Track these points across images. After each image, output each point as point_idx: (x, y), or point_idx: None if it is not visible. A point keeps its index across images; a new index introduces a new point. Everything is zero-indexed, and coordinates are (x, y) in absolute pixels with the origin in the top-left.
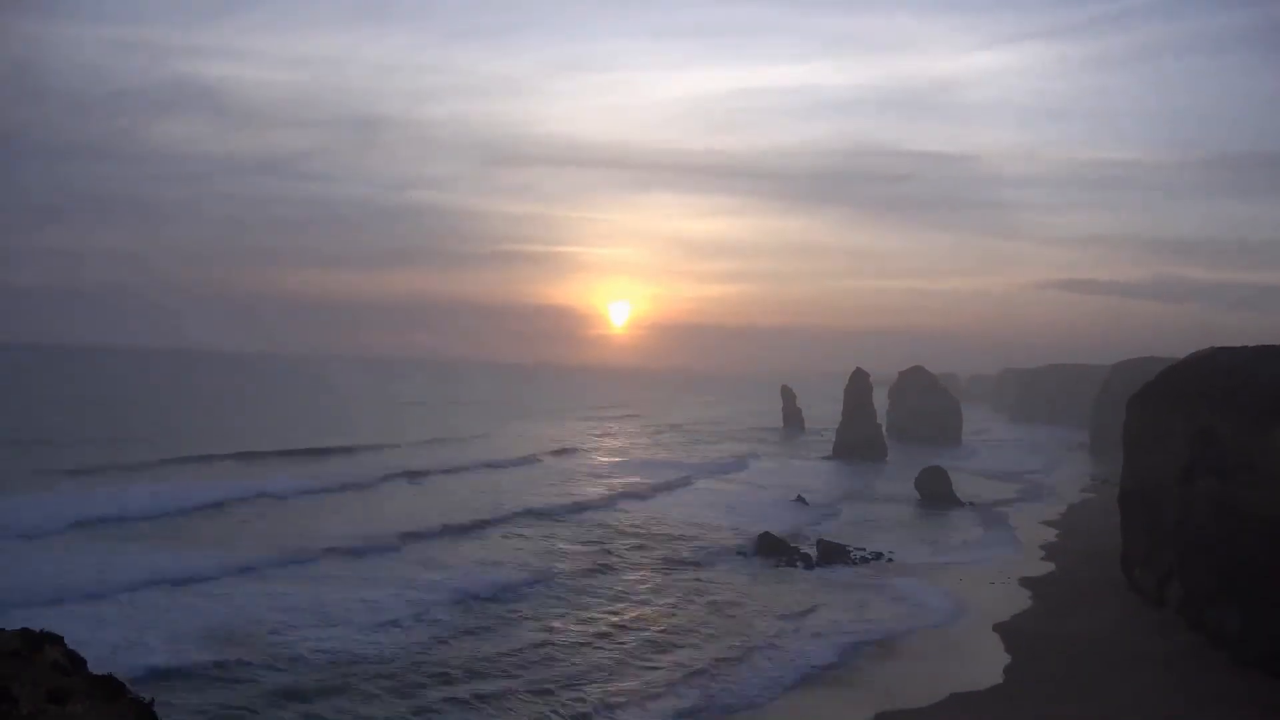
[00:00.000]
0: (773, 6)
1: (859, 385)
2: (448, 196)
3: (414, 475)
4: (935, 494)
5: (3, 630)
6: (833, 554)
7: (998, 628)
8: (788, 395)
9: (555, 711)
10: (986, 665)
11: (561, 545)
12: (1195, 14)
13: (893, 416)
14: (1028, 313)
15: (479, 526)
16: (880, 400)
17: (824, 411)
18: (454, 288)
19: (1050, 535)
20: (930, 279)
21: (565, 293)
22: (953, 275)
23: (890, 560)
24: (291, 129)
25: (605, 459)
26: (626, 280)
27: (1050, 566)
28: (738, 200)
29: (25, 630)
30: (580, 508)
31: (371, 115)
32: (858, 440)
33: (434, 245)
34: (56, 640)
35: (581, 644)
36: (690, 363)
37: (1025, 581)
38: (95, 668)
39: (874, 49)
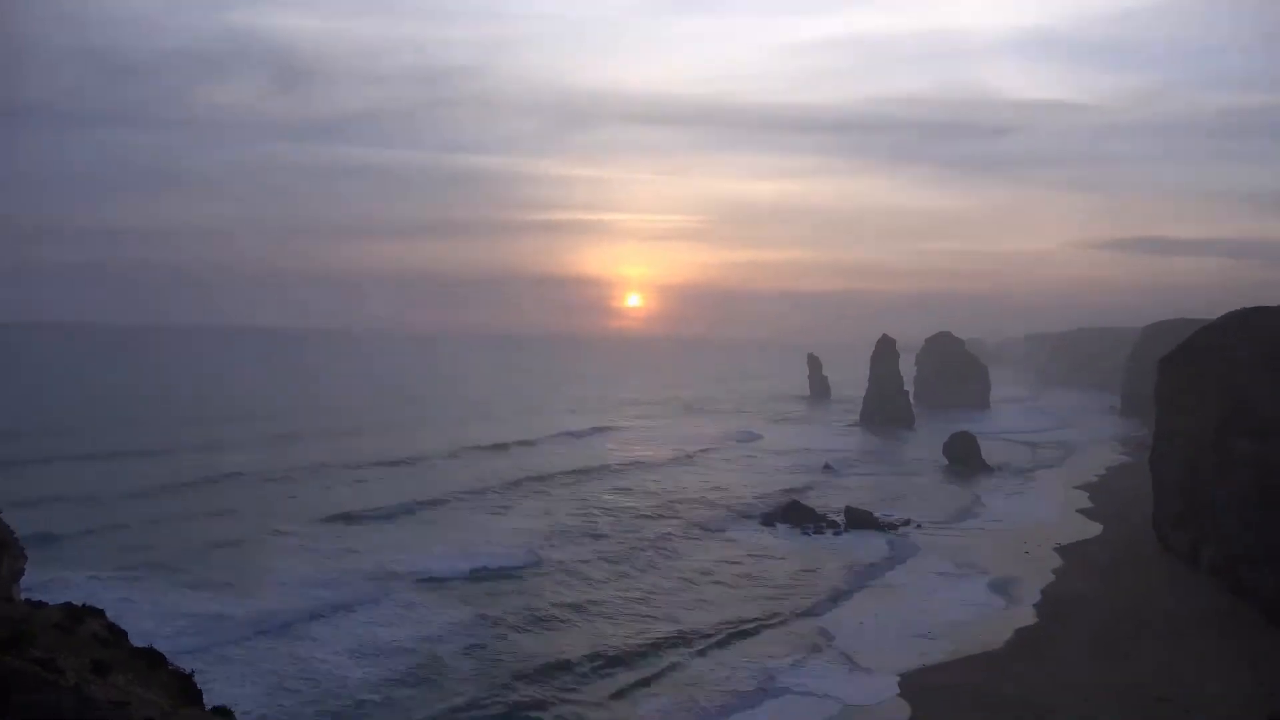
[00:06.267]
0: None
1: (885, 352)
2: (510, 160)
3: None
4: (964, 459)
5: (46, 604)
6: (861, 521)
7: (1030, 590)
8: (814, 364)
9: None
10: (1018, 626)
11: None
12: None
13: (920, 383)
14: (1082, 274)
15: None
16: (908, 367)
17: (854, 378)
18: (505, 258)
19: (1081, 499)
20: (989, 241)
21: (620, 261)
22: (1015, 235)
23: (919, 527)
24: (355, 85)
25: (628, 433)
26: (687, 246)
27: (1082, 530)
28: (815, 159)
29: (68, 604)
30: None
31: (439, 68)
32: (884, 407)
33: (488, 214)
34: (98, 613)
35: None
36: (732, 329)
37: (1057, 546)
38: None
39: None
